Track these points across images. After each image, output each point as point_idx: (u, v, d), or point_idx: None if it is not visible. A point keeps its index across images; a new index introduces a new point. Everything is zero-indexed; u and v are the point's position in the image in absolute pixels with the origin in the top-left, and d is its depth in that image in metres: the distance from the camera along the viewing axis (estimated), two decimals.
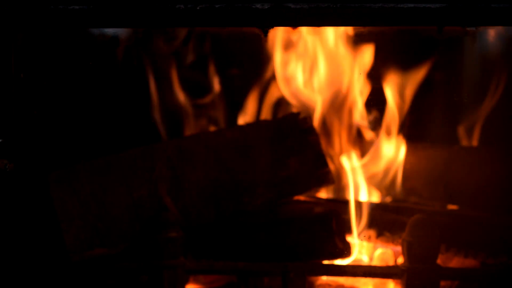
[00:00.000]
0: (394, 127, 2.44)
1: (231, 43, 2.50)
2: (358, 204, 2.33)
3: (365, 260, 2.32)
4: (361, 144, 2.49)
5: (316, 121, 2.43)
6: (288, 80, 2.47)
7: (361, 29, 2.30)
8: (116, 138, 2.44)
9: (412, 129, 2.49)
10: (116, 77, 2.50)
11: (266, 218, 2.26)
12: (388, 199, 2.49)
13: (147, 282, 2.17)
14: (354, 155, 2.44)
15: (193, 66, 2.56)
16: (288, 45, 2.46)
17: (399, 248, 2.25)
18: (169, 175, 2.22)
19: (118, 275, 2.18)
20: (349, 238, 2.28)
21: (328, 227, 2.22)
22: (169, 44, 2.50)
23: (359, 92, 2.44)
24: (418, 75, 2.45)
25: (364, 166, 2.43)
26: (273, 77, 2.51)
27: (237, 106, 2.56)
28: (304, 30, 2.40)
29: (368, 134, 2.48)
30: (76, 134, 2.42)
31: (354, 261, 2.29)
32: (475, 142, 2.53)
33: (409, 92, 2.45)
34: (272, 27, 1.97)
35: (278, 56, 2.46)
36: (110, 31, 2.36)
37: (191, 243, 2.21)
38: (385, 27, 2.15)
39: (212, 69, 2.59)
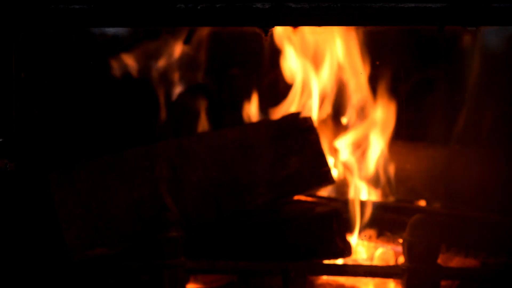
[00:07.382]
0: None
1: (232, 42, 2.50)
2: (359, 204, 2.33)
3: (365, 259, 2.32)
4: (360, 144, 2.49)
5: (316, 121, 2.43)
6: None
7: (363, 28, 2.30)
8: (116, 138, 2.44)
9: (412, 129, 2.49)
10: (116, 76, 2.49)
11: (266, 218, 2.26)
12: (389, 199, 2.49)
13: (147, 282, 2.17)
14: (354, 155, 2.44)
15: (193, 66, 2.56)
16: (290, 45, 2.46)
17: (399, 248, 2.25)
18: (169, 175, 2.22)
19: (119, 275, 2.18)
20: (349, 238, 2.28)
21: (329, 227, 2.22)
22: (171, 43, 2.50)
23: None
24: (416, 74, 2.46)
25: (363, 165, 2.43)
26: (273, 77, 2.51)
27: (237, 106, 2.56)
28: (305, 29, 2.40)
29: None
30: (76, 133, 2.42)
31: (354, 260, 2.29)
32: (475, 142, 2.52)
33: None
34: (273, 26, 1.97)
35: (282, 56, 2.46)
36: (110, 30, 2.36)
37: (191, 243, 2.21)
38: (386, 26, 2.15)
39: (213, 69, 2.59)
